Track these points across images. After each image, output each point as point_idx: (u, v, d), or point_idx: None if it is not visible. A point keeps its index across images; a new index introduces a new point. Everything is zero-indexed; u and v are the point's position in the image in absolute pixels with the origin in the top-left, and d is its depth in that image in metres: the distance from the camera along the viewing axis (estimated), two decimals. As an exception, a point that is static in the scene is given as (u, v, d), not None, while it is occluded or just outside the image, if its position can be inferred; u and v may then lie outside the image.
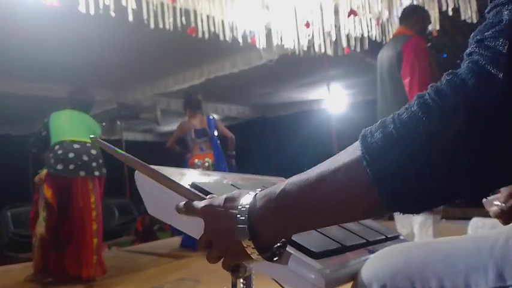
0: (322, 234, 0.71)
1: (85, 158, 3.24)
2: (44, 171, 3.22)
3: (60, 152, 3.22)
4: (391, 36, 4.00)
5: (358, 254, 0.69)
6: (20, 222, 6.53)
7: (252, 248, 0.55)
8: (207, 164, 4.41)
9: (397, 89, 2.67)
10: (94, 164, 3.28)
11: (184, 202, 0.65)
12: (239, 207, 0.57)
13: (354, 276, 0.63)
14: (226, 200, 0.60)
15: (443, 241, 0.62)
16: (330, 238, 0.70)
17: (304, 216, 0.53)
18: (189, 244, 4.27)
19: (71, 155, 3.21)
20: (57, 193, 3.18)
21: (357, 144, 0.50)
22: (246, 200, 0.57)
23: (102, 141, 0.71)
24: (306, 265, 0.57)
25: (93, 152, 3.32)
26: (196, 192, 0.67)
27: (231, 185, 0.85)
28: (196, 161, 4.43)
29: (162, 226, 7.13)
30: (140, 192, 0.75)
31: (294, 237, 0.63)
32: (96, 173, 3.29)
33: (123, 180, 6.96)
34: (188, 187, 0.69)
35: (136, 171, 0.75)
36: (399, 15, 3.25)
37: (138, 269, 3.58)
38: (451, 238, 0.62)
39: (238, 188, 0.83)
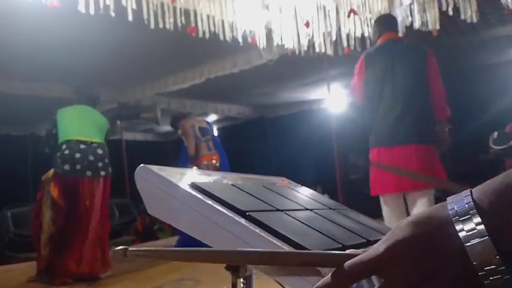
0: (322, 233, 0.71)
1: (91, 158, 3.28)
2: (51, 171, 3.25)
3: (66, 152, 3.25)
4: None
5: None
6: (20, 222, 6.53)
7: (499, 269, 0.38)
8: (214, 161, 4.34)
9: (424, 91, 2.77)
10: (100, 164, 3.32)
11: (335, 270, 0.44)
12: (454, 218, 0.40)
13: None
14: (418, 223, 0.42)
15: None
16: (330, 237, 0.70)
17: None
18: None
19: (78, 155, 3.24)
20: (64, 193, 3.21)
21: None
22: (459, 208, 0.40)
23: (137, 249, 0.53)
24: None
25: (99, 151, 3.36)
26: (340, 252, 0.47)
27: (232, 185, 0.85)
28: (205, 162, 4.33)
29: (162, 226, 7.13)
30: (140, 191, 0.74)
31: (292, 237, 0.62)
32: (102, 173, 3.33)
33: (123, 180, 6.96)
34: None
35: (137, 170, 0.75)
36: (399, 15, 3.25)
37: (138, 269, 3.58)
38: None
39: (239, 188, 0.83)
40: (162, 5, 3.20)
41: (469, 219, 0.39)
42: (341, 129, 6.06)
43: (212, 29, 3.52)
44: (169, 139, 10.45)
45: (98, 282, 3.15)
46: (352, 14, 3.69)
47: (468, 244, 0.39)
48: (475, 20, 3.72)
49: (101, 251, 3.32)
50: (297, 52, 4.07)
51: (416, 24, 3.82)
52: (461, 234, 0.39)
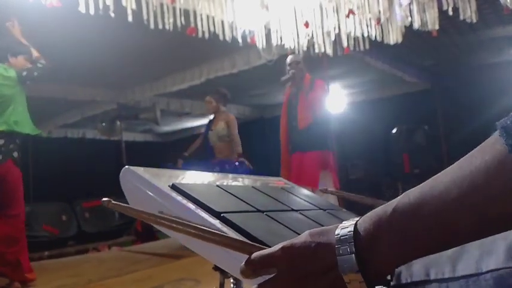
0: (296, 232, 0.70)
1: None
2: None
3: None
4: (390, 36, 4.02)
5: None
6: (19, 222, 6.52)
7: (360, 282, 0.46)
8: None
9: None
10: None
11: (247, 259, 0.53)
12: (336, 237, 0.48)
13: None
14: (312, 234, 0.50)
15: None
16: None
17: (436, 231, 0.44)
18: None
19: None
20: None
21: (494, 140, 0.43)
22: (343, 229, 0.49)
23: (118, 203, 0.56)
24: None
25: None
26: (253, 243, 0.56)
27: (217, 185, 0.84)
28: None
29: (162, 226, 7.11)
30: (125, 193, 0.74)
31: (263, 238, 0.61)
32: None
33: (122, 180, 6.94)
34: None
35: (121, 172, 0.74)
36: (399, 15, 3.27)
37: (138, 269, 3.58)
38: None
39: (223, 189, 0.82)
40: (162, 5, 3.20)
41: (346, 249, 0.47)
42: (341, 129, 6.05)
43: (212, 29, 3.51)
44: (169, 139, 10.45)
45: (97, 283, 3.15)
46: (351, 14, 3.70)
47: (341, 258, 0.47)
48: (474, 20, 3.72)
49: (12, 254, 2.99)
50: (296, 52, 4.08)
51: (416, 25, 3.82)
52: (339, 259, 0.47)
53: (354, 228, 0.48)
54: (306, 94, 3.89)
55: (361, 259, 0.46)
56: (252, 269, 0.53)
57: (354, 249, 0.46)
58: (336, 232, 0.49)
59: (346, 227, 0.49)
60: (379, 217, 0.47)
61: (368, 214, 0.49)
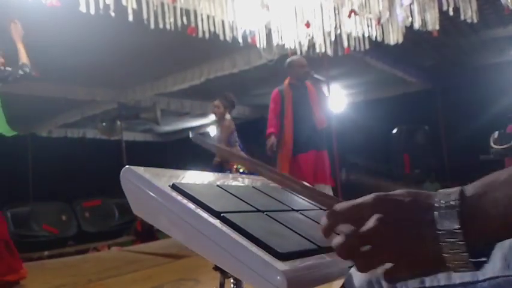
0: (299, 234, 0.69)
1: None
2: None
3: None
4: (391, 36, 4.02)
5: (335, 256, 0.65)
6: (20, 222, 6.53)
7: (459, 243, 0.42)
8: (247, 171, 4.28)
9: None
10: None
11: (329, 211, 0.50)
12: (439, 194, 0.45)
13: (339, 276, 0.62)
14: (410, 191, 0.47)
15: None
16: (306, 239, 0.67)
17: None
18: None
19: None
20: None
21: None
22: (446, 191, 0.45)
23: (201, 137, 0.54)
24: (269, 266, 0.55)
25: None
26: (335, 197, 0.53)
27: (217, 185, 0.84)
28: (238, 166, 4.23)
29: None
30: (125, 192, 0.74)
31: (263, 238, 0.60)
32: None
33: (123, 180, 6.94)
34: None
35: (122, 172, 0.74)
36: (399, 15, 3.27)
37: (138, 269, 3.58)
38: None
39: (224, 189, 0.82)
40: (162, 5, 3.20)
41: (450, 195, 0.43)
42: (341, 129, 6.05)
43: (212, 29, 3.51)
44: (169, 139, 10.45)
45: (96, 283, 3.15)
46: (352, 14, 3.69)
47: (442, 211, 0.43)
48: (475, 20, 3.72)
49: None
50: (297, 52, 4.08)
51: (417, 25, 3.82)
52: (439, 205, 0.43)
53: (459, 192, 0.44)
54: (318, 95, 4.07)
55: (465, 217, 0.42)
56: (335, 222, 0.48)
57: (459, 206, 0.42)
58: (438, 191, 0.45)
59: (448, 193, 0.44)
60: (489, 183, 0.44)
61: (477, 182, 0.45)
